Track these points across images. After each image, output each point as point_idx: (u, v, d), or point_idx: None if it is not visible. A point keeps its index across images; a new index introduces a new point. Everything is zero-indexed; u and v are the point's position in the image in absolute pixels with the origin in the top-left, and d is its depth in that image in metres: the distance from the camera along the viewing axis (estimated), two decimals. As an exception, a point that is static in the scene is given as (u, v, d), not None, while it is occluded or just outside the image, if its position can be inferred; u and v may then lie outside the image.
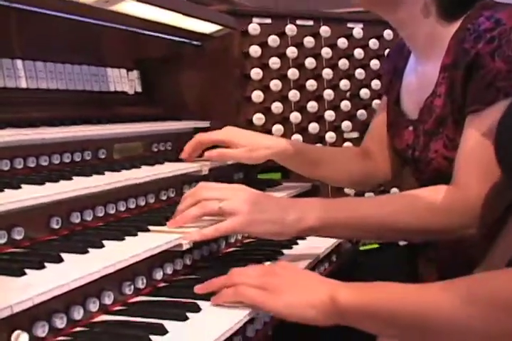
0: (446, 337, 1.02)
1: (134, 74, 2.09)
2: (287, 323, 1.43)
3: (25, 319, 0.95)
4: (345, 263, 1.80)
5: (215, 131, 1.75)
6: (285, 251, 1.53)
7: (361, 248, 2.16)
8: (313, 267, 1.52)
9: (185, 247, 1.28)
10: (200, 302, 1.17)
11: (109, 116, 1.79)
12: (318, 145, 2.21)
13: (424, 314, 1.01)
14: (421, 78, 1.62)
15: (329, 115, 2.27)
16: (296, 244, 1.61)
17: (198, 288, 1.21)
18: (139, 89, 2.11)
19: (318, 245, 1.61)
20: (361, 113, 2.34)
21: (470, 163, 1.39)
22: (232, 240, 1.62)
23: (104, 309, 1.13)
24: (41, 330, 0.97)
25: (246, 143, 1.70)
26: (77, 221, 1.30)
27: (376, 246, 2.26)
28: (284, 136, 2.13)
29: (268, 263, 1.42)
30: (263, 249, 1.57)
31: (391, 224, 1.39)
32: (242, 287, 1.16)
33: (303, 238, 1.66)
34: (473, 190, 1.37)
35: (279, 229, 1.34)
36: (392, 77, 1.79)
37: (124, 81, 2.03)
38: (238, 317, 1.12)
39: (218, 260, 1.49)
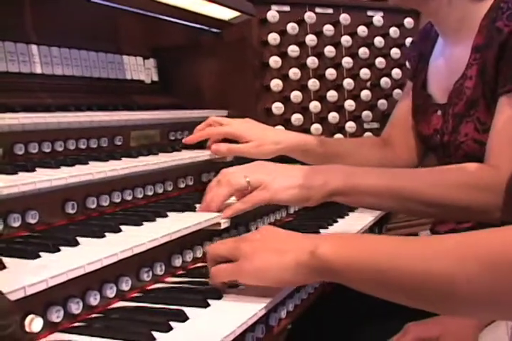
0: (445, 300, 0.88)
1: (151, 62, 2.05)
2: (305, 319, 1.40)
3: (39, 303, 0.91)
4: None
5: (226, 120, 1.68)
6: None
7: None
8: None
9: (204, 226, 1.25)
10: (222, 289, 1.12)
11: (125, 104, 1.74)
12: (338, 135, 2.17)
13: (419, 273, 0.89)
14: (450, 61, 1.57)
15: (349, 105, 2.22)
16: (326, 228, 1.59)
17: None
18: (155, 78, 2.07)
19: (348, 230, 1.58)
20: (382, 103, 2.29)
21: (502, 142, 1.35)
22: (253, 228, 1.57)
23: (121, 295, 1.09)
24: (56, 315, 0.93)
25: (255, 138, 1.63)
26: (93, 206, 1.26)
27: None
28: (303, 125, 2.09)
29: None
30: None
31: (412, 194, 1.33)
32: (214, 268, 1.09)
33: (331, 224, 1.64)
34: (505, 169, 1.30)
35: (306, 193, 1.33)
36: (418, 62, 1.74)
37: (140, 69, 1.99)
38: (261, 304, 1.07)
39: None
